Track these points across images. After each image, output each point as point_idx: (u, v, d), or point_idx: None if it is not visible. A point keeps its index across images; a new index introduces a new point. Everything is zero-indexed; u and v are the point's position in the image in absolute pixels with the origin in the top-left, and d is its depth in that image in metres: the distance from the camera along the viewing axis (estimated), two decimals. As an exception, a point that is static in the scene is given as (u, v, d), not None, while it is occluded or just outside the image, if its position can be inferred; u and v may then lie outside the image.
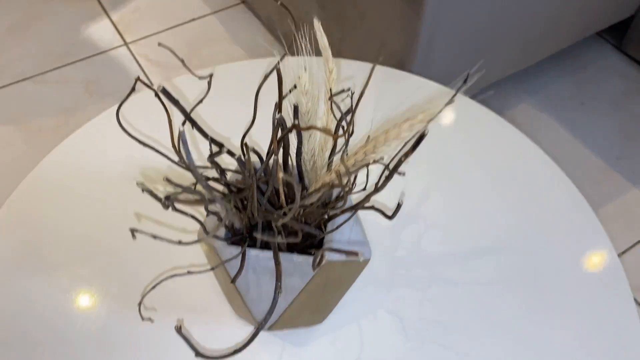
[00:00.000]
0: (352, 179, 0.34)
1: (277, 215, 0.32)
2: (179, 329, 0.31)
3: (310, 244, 0.37)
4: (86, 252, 0.46)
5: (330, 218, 0.37)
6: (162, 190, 0.50)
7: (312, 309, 0.40)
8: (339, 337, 0.43)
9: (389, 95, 0.58)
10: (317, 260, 0.31)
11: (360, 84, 0.57)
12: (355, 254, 0.32)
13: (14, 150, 0.94)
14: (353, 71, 0.60)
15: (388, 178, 0.32)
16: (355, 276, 0.41)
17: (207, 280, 0.45)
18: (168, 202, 0.30)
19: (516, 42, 0.89)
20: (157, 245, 0.47)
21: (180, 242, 0.33)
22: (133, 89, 0.35)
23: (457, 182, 0.52)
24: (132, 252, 0.47)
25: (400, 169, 0.39)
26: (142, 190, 0.32)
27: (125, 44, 1.11)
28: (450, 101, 0.30)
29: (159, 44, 1.01)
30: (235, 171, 0.35)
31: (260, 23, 1.13)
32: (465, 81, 0.35)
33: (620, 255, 0.85)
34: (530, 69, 1.07)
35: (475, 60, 0.86)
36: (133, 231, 0.31)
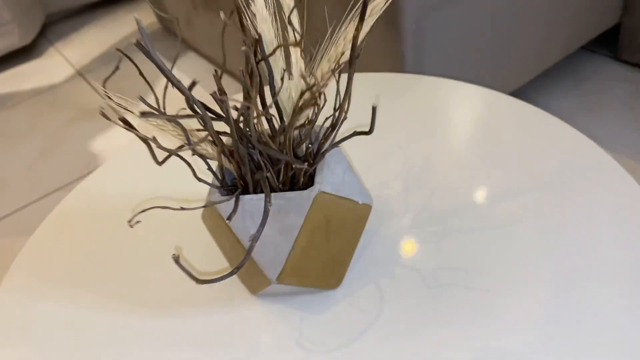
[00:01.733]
0: (322, 91, 0.34)
1: (259, 139, 0.33)
2: (176, 259, 0.31)
3: (304, 184, 0.38)
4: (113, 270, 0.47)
5: (320, 151, 0.37)
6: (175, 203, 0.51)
7: (321, 263, 0.39)
8: (357, 300, 0.41)
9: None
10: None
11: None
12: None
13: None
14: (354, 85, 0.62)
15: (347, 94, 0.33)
16: (359, 226, 0.40)
17: (214, 251, 0.44)
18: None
19: (509, 57, 0.92)
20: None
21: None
22: (117, 68, 0.38)
23: (461, 144, 0.51)
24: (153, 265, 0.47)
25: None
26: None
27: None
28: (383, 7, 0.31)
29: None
30: (217, 115, 0.36)
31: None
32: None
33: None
34: (534, 86, 1.09)
35: (468, 76, 0.88)
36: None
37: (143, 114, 0.30)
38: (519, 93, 1.07)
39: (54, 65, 1.49)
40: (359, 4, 0.30)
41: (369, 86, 0.61)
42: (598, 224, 0.42)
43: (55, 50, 1.55)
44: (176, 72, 1.38)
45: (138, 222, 0.50)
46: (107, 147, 1.19)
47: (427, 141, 0.53)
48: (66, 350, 0.41)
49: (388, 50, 0.77)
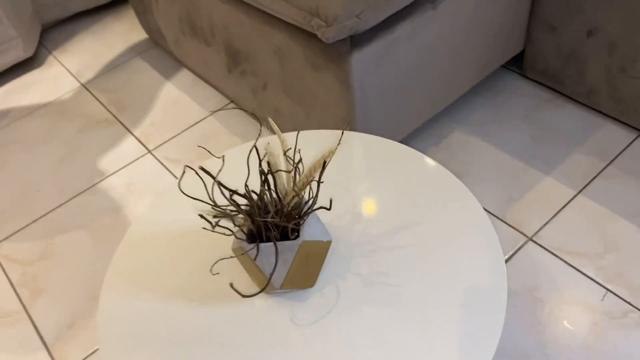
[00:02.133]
0: (303, 193, 0.64)
1: (271, 217, 0.63)
2: (231, 285, 0.60)
3: (294, 237, 0.68)
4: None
5: (301, 218, 0.67)
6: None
7: (304, 275, 0.69)
8: (325, 293, 0.72)
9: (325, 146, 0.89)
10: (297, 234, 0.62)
11: (317, 149, 0.89)
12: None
13: (84, 246, 1.26)
14: (315, 137, 0.91)
15: (317, 190, 0.62)
16: (324, 253, 0.71)
17: (240, 272, 0.75)
18: (215, 222, 0.61)
19: (435, 89, 1.22)
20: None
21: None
22: (184, 172, 0.66)
23: (383, 199, 0.82)
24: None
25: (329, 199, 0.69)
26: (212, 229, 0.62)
27: (149, 151, 1.44)
28: (339, 143, 0.60)
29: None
30: (246, 205, 0.66)
31: (246, 114, 1.48)
32: (344, 130, 0.66)
33: (537, 232, 1.13)
34: (456, 103, 1.39)
35: (405, 109, 1.18)
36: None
37: (215, 219, 0.59)
38: (445, 110, 1.38)
39: (55, 75, 1.71)
40: (325, 156, 0.60)
41: (323, 143, 0.91)
42: (451, 245, 0.73)
43: (54, 59, 1.77)
44: (165, 84, 1.63)
45: (217, 273, 0.79)
46: (118, 154, 1.45)
47: (359, 190, 0.83)
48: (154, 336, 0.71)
49: (342, 99, 1.06)
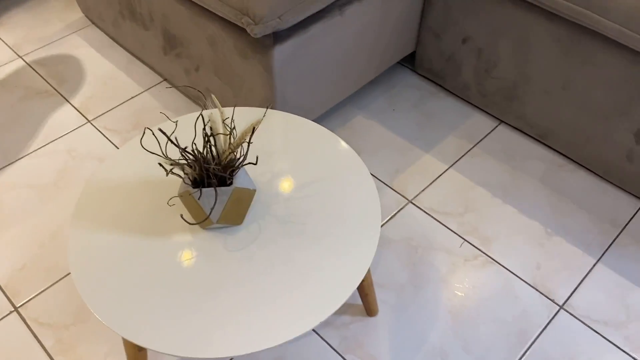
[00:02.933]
0: (236, 152, 0.87)
1: (213, 167, 0.86)
2: (181, 216, 0.83)
3: (229, 184, 0.91)
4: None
5: (235, 169, 0.90)
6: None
7: (235, 214, 0.93)
8: (250, 229, 0.96)
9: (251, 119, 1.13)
10: (229, 182, 0.85)
11: (246, 121, 1.12)
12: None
13: (31, 202, 1.41)
14: (244, 113, 1.14)
15: (247, 150, 0.86)
16: (251, 198, 0.95)
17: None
18: (170, 169, 0.83)
19: (342, 79, 1.49)
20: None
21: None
22: (144, 132, 0.87)
23: (295, 163, 1.07)
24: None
25: (255, 159, 0.93)
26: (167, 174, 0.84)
27: (89, 121, 1.60)
28: (262, 118, 0.85)
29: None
30: (193, 157, 0.88)
31: (177, 91, 1.67)
32: (268, 107, 0.90)
33: (417, 195, 1.44)
34: (359, 92, 1.67)
35: (316, 94, 1.44)
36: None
37: (171, 167, 0.81)
38: (349, 98, 1.65)
39: (-8, 46, 1.81)
40: (254, 124, 0.83)
41: (250, 116, 1.14)
42: (344, 196, 1.00)
43: (-11, 31, 1.86)
44: (102, 61, 1.78)
45: (173, 204, 1.00)
46: (60, 123, 1.60)
47: (277, 155, 1.07)
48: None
49: (265, 83, 1.30)
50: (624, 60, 1.24)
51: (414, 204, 1.41)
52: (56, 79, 1.71)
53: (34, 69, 1.74)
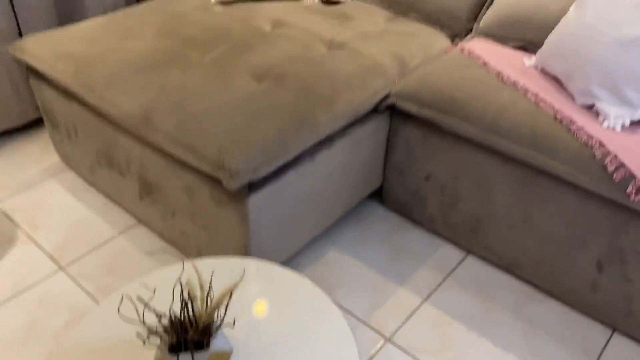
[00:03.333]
0: (214, 315, 0.88)
1: (190, 333, 0.86)
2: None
3: (206, 346, 0.91)
4: None
5: (211, 335, 0.91)
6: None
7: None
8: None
9: (234, 275, 1.15)
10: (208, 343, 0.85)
11: (222, 273, 1.14)
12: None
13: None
14: (221, 265, 1.16)
15: (224, 313, 0.87)
16: (227, 359, 0.94)
17: (161, 381, 0.95)
18: (147, 337, 0.83)
19: (315, 217, 1.54)
20: None
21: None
22: (122, 300, 0.88)
23: (270, 314, 1.08)
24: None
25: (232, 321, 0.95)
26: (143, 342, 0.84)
27: (62, 268, 1.60)
28: (240, 280, 0.87)
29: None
30: (170, 322, 0.88)
31: (154, 234, 1.69)
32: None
33: (394, 333, 1.44)
34: (332, 227, 1.72)
35: (291, 234, 1.48)
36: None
37: (148, 335, 0.82)
38: (321, 233, 1.70)
39: (-34, 193, 1.83)
40: (231, 288, 0.86)
41: (226, 268, 1.16)
42: (316, 344, 1.00)
43: (-35, 178, 1.88)
44: (77, 205, 1.81)
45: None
46: (29, 269, 1.58)
47: (252, 308, 1.09)
48: None
49: (241, 229, 1.34)
50: (576, 198, 1.33)
51: (392, 343, 1.41)
52: (29, 225, 1.72)
53: (7, 215, 1.75)
